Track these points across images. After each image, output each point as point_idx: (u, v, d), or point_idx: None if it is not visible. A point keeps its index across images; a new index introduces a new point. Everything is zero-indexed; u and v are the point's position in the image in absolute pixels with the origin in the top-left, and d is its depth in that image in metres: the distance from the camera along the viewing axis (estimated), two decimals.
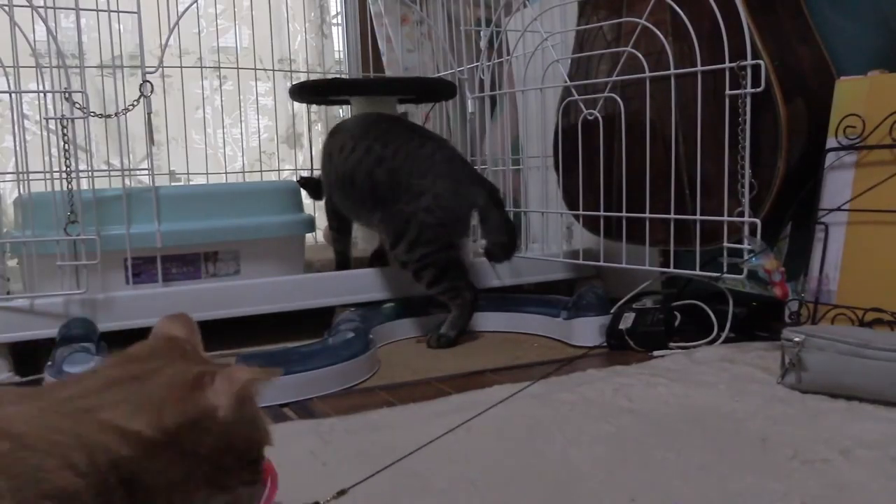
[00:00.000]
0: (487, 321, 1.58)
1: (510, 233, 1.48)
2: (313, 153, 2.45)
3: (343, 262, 1.73)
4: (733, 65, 1.25)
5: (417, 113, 2.44)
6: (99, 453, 0.48)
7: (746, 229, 1.26)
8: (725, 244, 1.29)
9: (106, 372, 0.54)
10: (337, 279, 1.61)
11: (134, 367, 0.55)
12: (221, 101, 2.29)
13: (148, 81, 1.43)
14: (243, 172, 2.36)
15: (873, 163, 1.23)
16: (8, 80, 1.35)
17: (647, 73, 1.38)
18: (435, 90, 2.11)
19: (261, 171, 2.40)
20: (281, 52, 2.43)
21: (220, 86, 2.32)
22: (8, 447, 0.45)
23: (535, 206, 1.83)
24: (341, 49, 2.59)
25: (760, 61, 1.23)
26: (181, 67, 2.19)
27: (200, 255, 1.54)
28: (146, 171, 1.52)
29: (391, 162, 1.48)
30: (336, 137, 1.62)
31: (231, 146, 2.39)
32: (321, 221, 2.27)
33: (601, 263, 1.57)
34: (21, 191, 1.43)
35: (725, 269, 1.29)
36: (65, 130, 1.34)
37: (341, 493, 0.70)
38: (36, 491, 0.45)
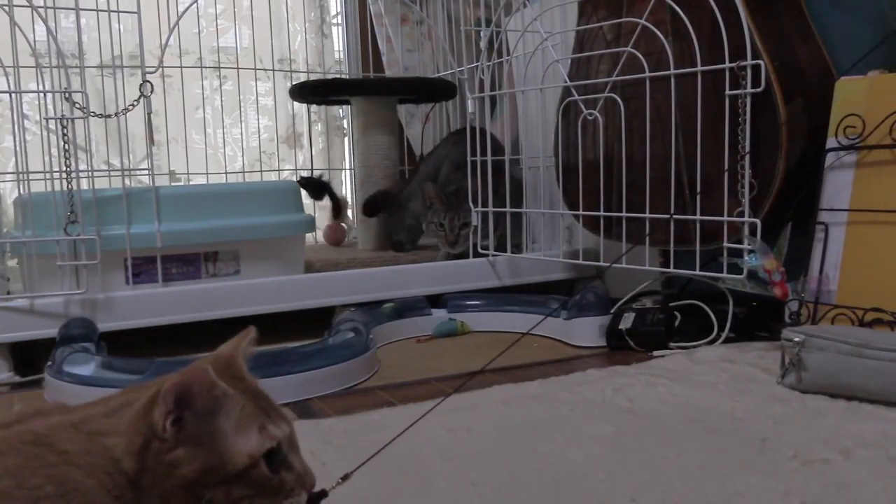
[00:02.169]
0: (487, 321, 1.59)
1: None
2: (313, 153, 2.45)
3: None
4: (733, 65, 1.25)
5: (418, 113, 2.44)
6: (116, 478, 0.48)
7: (746, 229, 1.26)
8: (725, 244, 1.29)
9: (115, 397, 0.53)
10: (337, 279, 1.62)
11: (133, 393, 0.53)
12: (221, 101, 2.29)
13: (148, 81, 1.43)
14: (243, 172, 2.36)
15: (873, 163, 1.23)
16: (8, 80, 1.35)
17: (647, 73, 1.38)
18: (435, 90, 2.11)
19: (261, 171, 2.40)
20: (281, 52, 2.42)
21: (220, 86, 2.32)
22: (55, 460, 0.47)
23: (535, 206, 1.83)
24: (341, 49, 2.59)
25: (760, 61, 1.23)
26: (181, 67, 2.19)
27: (200, 255, 1.54)
28: (146, 171, 1.52)
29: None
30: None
31: (231, 146, 2.39)
32: (321, 221, 2.27)
33: (601, 263, 1.57)
34: (21, 191, 1.43)
35: (725, 270, 1.29)
36: (65, 130, 1.34)
37: (345, 477, 0.68)
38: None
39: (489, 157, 1.73)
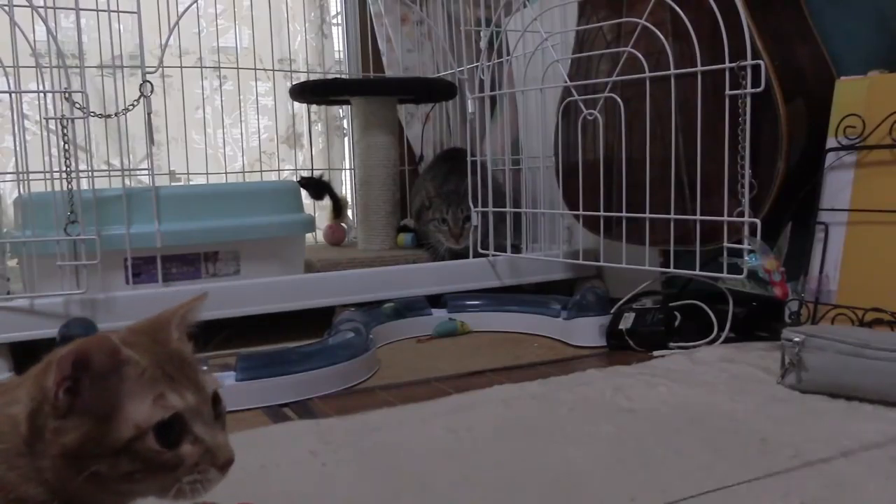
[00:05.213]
0: (487, 321, 1.58)
1: None
2: (313, 153, 2.45)
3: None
4: (733, 65, 1.25)
5: (418, 113, 2.44)
6: (21, 452, 0.47)
7: (746, 229, 1.26)
8: (725, 244, 1.29)
9: (35, 365, 0.52)
10: (337, 279, 1.61)
11: (51, 356, 0.51)
12: (221, 101, 2.29)
13: (148, 81, 1.43)
14: (243, 172, 2.35)
15: (873, 163, 1.23)
16: (8, 80, 1.35)
17: (647, 73, 1.38)
18: (435, 90, 2.11)
19: (261, 171, 2.39)
20: (281, 52, 2.42)
21: (220, 86, 2.31)
22: None
23: (535, 206, 1.83)
24: (341, 49, 2.58)
25: (760, 61, 1.23)
26: (181, 67, 2.19)
27: (200, 255, 1.54)
28: (146, 171, 1.52)
29: None
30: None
31: (231, 146, 2.38)
32: (321, 221, 2.27)
33: (601, 263, 1.57)
34: (21, 191, 1.43)
35: (725, 270, 1.29)
36: (65, 130, 1.34)
37: None
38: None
39: (489, 158, 1.73)
